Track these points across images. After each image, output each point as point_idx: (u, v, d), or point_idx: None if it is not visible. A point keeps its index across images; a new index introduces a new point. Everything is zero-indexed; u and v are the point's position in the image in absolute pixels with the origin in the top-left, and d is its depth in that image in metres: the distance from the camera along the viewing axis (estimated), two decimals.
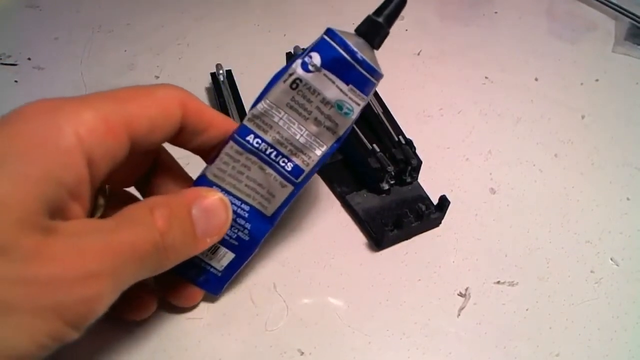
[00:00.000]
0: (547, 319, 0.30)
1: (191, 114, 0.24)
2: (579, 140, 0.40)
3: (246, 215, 0.25)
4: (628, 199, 0.36)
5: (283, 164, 0.24)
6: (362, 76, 0.23)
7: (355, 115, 0.24)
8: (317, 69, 0.23)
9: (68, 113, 0.20)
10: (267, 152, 0.24)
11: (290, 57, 0.41)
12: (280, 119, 0.24)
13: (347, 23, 0.51)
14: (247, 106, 0.37)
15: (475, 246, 0.33)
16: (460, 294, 0.31)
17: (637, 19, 0.49)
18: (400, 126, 0.36)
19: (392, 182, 0.34)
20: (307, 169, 0.25)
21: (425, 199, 0.34)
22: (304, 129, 0.24)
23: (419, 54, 0.46)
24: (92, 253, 0.19)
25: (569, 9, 0.52)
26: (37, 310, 0.17)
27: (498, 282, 0.31)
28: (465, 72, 0.45)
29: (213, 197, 0.24)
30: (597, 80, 0.45)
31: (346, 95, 0.23)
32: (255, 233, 0.26)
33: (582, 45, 0.48)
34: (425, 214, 0.32)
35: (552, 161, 0.38)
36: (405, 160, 0.33)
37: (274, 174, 0.25)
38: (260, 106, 0.24)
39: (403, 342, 0.29)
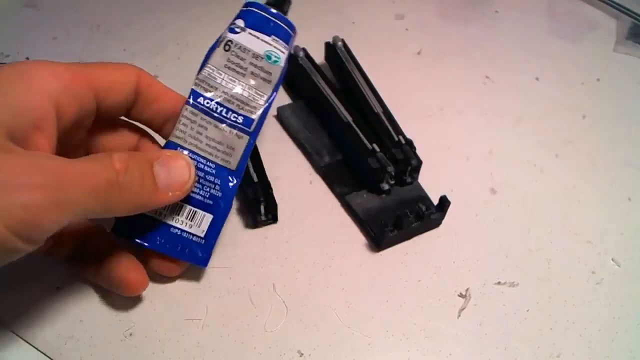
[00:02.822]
0: (548, 320, 0.30)
1: (144, 85, 0.28)
2: (580, 140, 0.40)
3: (213, 171, 0.28)
4: (629, 199, 0.36)
5: (234, 118, 0.28)
6: (280, 27, 0.28)
7: (282, 62, 0.28)
8: (242, 29, 0.27)
9: (41, 65, 0.24)
10: (218, 111, 0.27)
11: (290, 57, 0.40)
12: (222, 79, 0.28)
13: (347, 22, 0.51)
14: None
15: (476, 247, 0.33)
16: (461, 295, 0.31)
17: (638, 18, 0.49)
18: (401, 126, 0.35)
19: (392, 182, 0.34)
20: (256, 118, 0.28)
21: (425, 199, 0.34)
22: (244, 84, 0.28)
23: (419, 53, 0.46)
24: (39, 168, 0.21)
25: (569, 8, 0.52)
26: None
27: (498, 283, 0.31)
28: (466, 71, 0.45)
29: (176, 155, 0.26)
30: (598, 79, 0.45)
31: (271, 45, 0.27)
32: (226, 187, 0.28)
33: (583, 44, 0.48)
34: (425, 215, 0.32)
35: (552, 161, 0.38)
36: (406, 160, 0.33)
37: (229, 128, 0.28)
38: (203, 71, 0.28)
39: (403, 343, 0.29)
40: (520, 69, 0.45)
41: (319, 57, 0.41)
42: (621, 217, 0.35)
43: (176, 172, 0.25)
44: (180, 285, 0.30)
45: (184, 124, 0.27)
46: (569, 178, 0.37)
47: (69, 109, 0.24)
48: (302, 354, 0.28)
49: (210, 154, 0.28)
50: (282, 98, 0.42)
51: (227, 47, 0.27)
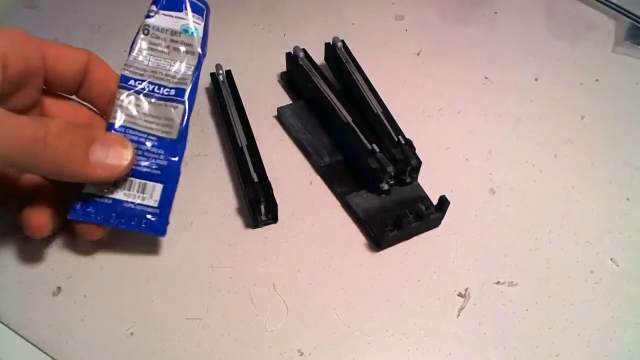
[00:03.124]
0: (547, 319, 0.30)
1: (94, 65, 0.30)
2: (579, 141, 0.40)
3: (156, 143, 0.29)
4: (628, 199, 0.36)
5: (167, 92, 0.29)
6: (190, 2, 0.30)
7: (200, 32, 0.30)
8: (156, 12, 0.30)
9: None
10: (150, 88, 0.29)
11: (290, 58, 0.41)
12: (149, 60, 0.30)
13: (347, 22, 0.51)
14: (246, 106, 0.37)
15: (475, 246, 0.33)
16: (460, 295, 0.31)
17: (637, 19, 0.49)
18: (400, 126, 0.36)
19: (391, 182, 0.34)
20: (187, 87, 0.30)
21: (425, 199, 0.34)
22: (170, 60, 0.30)
23: (418, 54, 0.46)
24: None
25: (568, 9, 0.52)
26: None
27: (498, 283, 0.31)
28: (465, 72, 0.45)
29: (121, 142, 0.28)
30: (597, 80, 0.45)
31: (185, 19, 0.30)
32: (171, 155, 0.29)
33: (581, 45, 0.48)
34: (425, 214, 0.32)
35: (551, 161, 0.38)
36: (405, 160, 0.33)
37: (163, 102, 0.29)
38: (130, 57, 0.30)
39: (403, 343, 0.29)
40: (519, 70, 0.45)
41: (318, 57, 0.41)
42: (620, 217, 0.35)
43: (114, 156, 0.27)
44: (180, 285, 0.31)
45: (119, 106, 0.29)
46: (567, 178, 0.37)
47: (15, 64, 0.26)
48: (302, 353, 0.28)
49: (150, 128, 0.29)
50: (282, 98, 0.42)
51: (145, 32, 0.30)
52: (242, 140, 0.35)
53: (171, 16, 0.30)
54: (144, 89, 0.30)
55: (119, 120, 0.29)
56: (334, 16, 0.49)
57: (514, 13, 0.51)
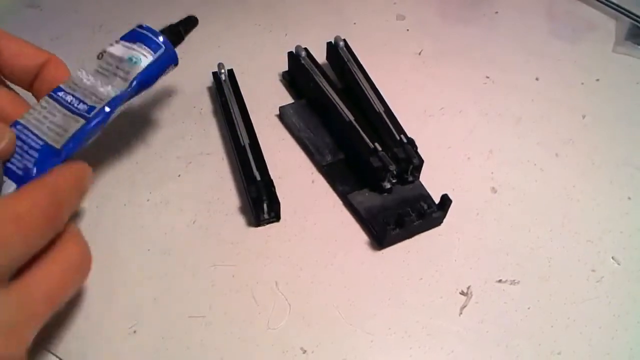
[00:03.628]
0: (549, 318, 0.30)
1: (53, 69, 0.31)
2: (580, 140, 0.40)
3: (38, 147, 0.28)
4: (629, 198, 0.36)
5: (79, 106, 0.29)
6: (148, 37, 0.31)
7: (143, 63, 0.30)
8: (117, 42, 0.31)
9: None
10: (69, 101, 0.29)
11: (292, 57, 0.41)
12: (88, 80, 0.30)
13: (348, 22, 0.51)
14: (248, 105, 0.37)
15: (477, 245, 0.33)
16: (462, 293, 0.31)
17: (637, 18, 0.49)
18: (402, 125, 0.36)
19: (393, 181, 0.34)
20: (98, 106, 0.29)
21: (427, 198, 0.34)
22: (104, 83, 0.30)
23: (420, 53, 0.46)
24: None
25: (569, 9, 0.52)
26: None
27: (500, 281, 0.32)
28: (466, 72, 0.45)
29: None
30: (597, 80, 0.45)
31: (134, 50, 0.30)
32: (41, 164, 0.28)
33: (582, 45, 0.48)
34: (427, 213, 0.32)
35: (552, 161, 0.38)
36: (407, 159, 0.33)
37: (71, 114, 0.29)
38: (74, 74, 0.30)
39: (405, 341, 0.29)
40: (520, 69, 0.45)
41: (320, 57, 0.42)
42: (621, 216, 0.35)
43: None
44: (183, 283, 0.31)
45: (34, 108, 0.29)
46: (569, 177, 0.37)
47: None
48: (305, 351, 0.28)
49: (45, 133, 0.29)
50: (284, 97, 0.42)
51: (100, 56, 0.31)
52: (245, 139, 0.35)
53: (125, 46, 0.31)
54: (67, 101, 0.29)
55: (24, 119, 0.29)
56: (334, 16, 0.50)
57: (515, 13, 0.51)
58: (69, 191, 0.25)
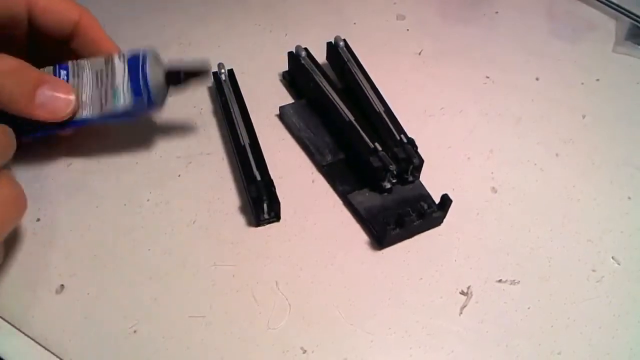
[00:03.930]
0: (549, 318, 0.30)
1: (85, 24, 0.33)
2: (580, 140, 0.40)
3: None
4: (629, 198, 0.36)
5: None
6: (137, 74, 0.32)
7: (119, 106, 0.32)
8: (124, 56, 0.33)
9: None
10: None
11: (292, 57, 0.41)
12: (86, 75, 0.32)
13: (348, 22, 0.51)
14: (248, 104, 0.38)
15: (477, 245, 0.33)
16: (462, 293, 0.31)
17: (637, 19, 0.49)
18: (402, 125, 0.36)
19: (394, 181, 0.34)
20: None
21: (427, 197, 0.34)
22: (92, 91, 0.32)
23: (420, 53, 0.46)
24: None
25: (569, 9, 0.52)
26: None
27: (500, 281, 0.32)
28: (466, 72, 0.45)
29: (66, 89, 0.31)
30: (597, 80, 0.45)
31: (122, 84, 0.32)
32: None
33: (582, 45, 0.48)
34: (427, 213, 0.32)
35: (553, 160, 0.38)
36: (407, 159, 0.33)
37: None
38: (81, 61, 0.33)
39: (405, 341, 0.29)
40: (520, 69, 0.45)
41: (320, 57, 0.42)
42: (621, 216, 0.35)
43: (57, 102, 0.31)
44: (183, 283, 0.31)
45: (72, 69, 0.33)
46: (569, 177, 0.37)
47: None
48: (305, 351, 0.28)
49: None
50: (284, 97, 0.42)
51: (106, 61, 0.33)
52: (245, 139, 0.35)
53: (122, 73, 0.32)
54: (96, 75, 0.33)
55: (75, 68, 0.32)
56: (335, 16, 0.50)
57: (515, 13, 0.51)
58: None
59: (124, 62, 0.32)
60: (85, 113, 0.32)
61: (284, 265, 0.32)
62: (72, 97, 0.31)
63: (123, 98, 0.32)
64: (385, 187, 0.34)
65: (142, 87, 0.32)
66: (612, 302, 0.31)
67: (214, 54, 0.45)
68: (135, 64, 0.32)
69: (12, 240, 0.32)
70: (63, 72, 0.33)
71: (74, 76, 0.33)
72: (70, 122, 0.32)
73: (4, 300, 0.29)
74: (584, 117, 0.42)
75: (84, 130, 0.38)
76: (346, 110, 0.36)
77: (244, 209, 0.34)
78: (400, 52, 0.46)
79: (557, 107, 0.42)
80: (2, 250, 0.29)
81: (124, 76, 0.32)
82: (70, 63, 0.33)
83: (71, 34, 0.34)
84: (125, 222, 0.33)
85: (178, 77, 0.33)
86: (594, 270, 0.32)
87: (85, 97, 0.32)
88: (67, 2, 0.33)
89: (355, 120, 0.35)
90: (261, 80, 0.43)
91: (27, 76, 0.30)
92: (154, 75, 0.32)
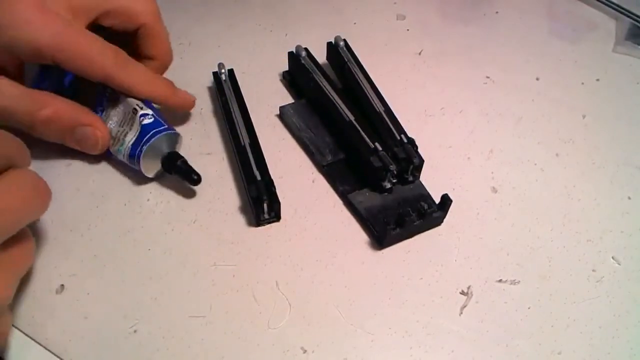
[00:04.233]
0: (549, 317, 0.30)
1: (148, 27, 0.36)
2: (580, 140, 0.40)
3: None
4: (629, 198, 0.36)
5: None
6: (138, 146, 0.33)
7: (119, 156, 0.35)
8: (141, 121, 0.34)
9: None
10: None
11: (293, 57, 0.41)
12: (114, 121, 0.36)
13: (348, 22, 0.51)
14: (248, 104, 0.38)
15: (477, 245, 0.33)
16: (463, 293, 0.31)
17: (637, 18, 0.49)
18: (402, 125, 0.36)
19: (394, 180, 0.34)
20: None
21: (427, 197, 0.34)
22: (113, 126, 0.36)
23: (420, 53, 0.46)
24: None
25: (569, 9, 0.52)
26: None
27: (500, 281, 0.32)
28: (467, 71, 0.45)
29: (93, 131, 0.34)
30: (597, 80, 0.45)
31: (128, 141, 0.34)
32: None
33: (582, 45, 0.48)
34: (427, 213, 0.32)
35: (553, 160, 0.38)
36: (407, 159, 0.33)
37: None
38: (118, 101, 0.36)
39: (405, 341, 0.29)
40: (520, 69, 0.45)
41: (320, 57, 0.42)
42: (621, 216, 0.35)
43: (87, 142, 0.34)
44: (183, 283, 0.31)
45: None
46: (569, 177, 0.37)
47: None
48: (305, 351, 0.28)
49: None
50: (284, 97, 0.42)
51: (134, 111, 0.35)
52: (245, 139, 0.35)
53: (131, 132, 0.34)
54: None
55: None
56: (335, 16, 0.50)
57: (515, 13, 0.51)
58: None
59: (140, 123, 0.34)
60: None
61: (284, 265, 0.32)
62: (107, 137, 0.35)
63: (123, 150, 0.34)
64: (385, 187, 0.34)
65: (136, 153, 0.34)
66: (612, 302, 0.31)
67: (214, 54, 0.45)
68: (146, 131, 0.34)
69: None
70: (99, 109, 0.36)
71: (107, 115, 0.36)
72: None
73: None
74: (584, 117, 0.42)
75: None
76: (346, 110, 0.36)
77: (244, 209, 0.34)
78: (400, 52, 0.46)
79: (557, 107, 0.42)
80: (33, 247, 0.28)
81: (134, 134, 0.34)
82: (105, 101, 0.36)
83: (135, 31, 0.36)
84: (125, 222, 0.33)
85: (169, 168, 0.34)
86: (594, 270, 0.32)
87: (110, 125, 0.36)
88: (137, 5, 0.35)
89: (355, 120, 0.35)
90: (261, 80, 0.43)
91: (67, 119, 0.33)
92: (152, 152, 0.34)
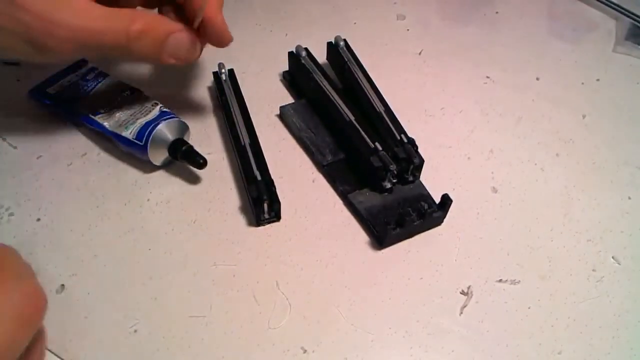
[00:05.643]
0: (549, 317, 0.30)
1: None
2: (580, 140, 0.40)
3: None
4: (629, 198, 0.36)
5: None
6: (145, 131, 0.34)
7: (124, 136, 0.35)
8: (157, 113, 0.36)
9: None
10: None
11: (293, 56, 0.41)
12: (126, 113, 0.36)
13: (349, 22, 0.51)
14: (249, 104, 0.37)
15: (477, 245, 0.33)
16: (463, 293, 0.31)
17: (637, 18, 0.49)
18: (402, 125, 0.36)
19: (394, 180, 0.34)
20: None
21: (427, 197, 0.34)
22: (126, 115, 0.36)
23: (420, 53, 0.46)
24: (63, 23, 0.28)
25: (569, 9, 0.52)
26: (13, 20, 0.27)
27: (500, 281, 0.32)
28: (467, 71, 0.45)
29: (187, 36, 0.32)
30: (598, 80, 0.45)
31: (135, 126, 0.35)
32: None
33: (582, 45, 0.48)
34: (427, 213, 0.32)
35: (553, 160, 0.38)
36: (408, 159, 0.33)
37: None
38: (131, 106, 0.37)
39: (405, 340, 0.29)
40: (520, 69, 0.45)
41: (321, 57, 0.42)
42: (621, 216, 0.35)
43: (181, 48, 0.32)
44: (184, 283, 0.31)
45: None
46: (569, 177, 0.37)
47: None
48: (306, 351, 0.28)
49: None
50: (285, 97, 0.42)
51: (153, 104, 0.36)
52: (245, 139, 0.35)
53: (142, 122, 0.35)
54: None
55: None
56: (335, 16, 0.50)
57: (515, 13, 0.51)
58: None
59: (159, 110, 0.36)
60: (107, 124, 0.36)
61: (285, 265, 0.32)
62: (200, 42, 0.33)
63: (132, 128, 0.35)
64: (385, 186, 0.34)
65: (147, 131, 0.34)
66: (613, 301, 0.31)
67: (215, 53, 0.45)
68: (161, 114, 0.35)
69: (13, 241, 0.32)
70: (127, 93, 0.38)
71: (120, 109, 0.37)
72: (92, 121, 0.36)
73: None
74: (584, 117, 0.42)
75: (86, 132, 0.38)
76: (346, 110, 0.36)
77: (244, 209, 0.34)
78: (400, 51, 0.46)
79: (557, 107, 0.42)
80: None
81: (148, 118, 0.35)
82: (137, 91, 0.38)
83: None
84: (125, 222, 0.33)
85: (175, 153, 0.35)
86: (594, 270, 0.32)
87: (119, 115, 0.36)
88: None
89: (355, 120, 0.35)
90: (261, 80, 0.43)
91: (159, 34, 0.31)
92: (161, 136, 0.34)
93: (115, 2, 0.31)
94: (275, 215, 0.33)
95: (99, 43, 0.29)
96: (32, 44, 0.28)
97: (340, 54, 0.40)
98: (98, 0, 0.30)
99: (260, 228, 0.33)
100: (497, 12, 0.51)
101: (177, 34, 0.32)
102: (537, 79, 0.45)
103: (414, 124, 0.38)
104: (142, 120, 0.35)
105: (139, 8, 0.35)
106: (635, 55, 0.47)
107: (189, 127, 0.36)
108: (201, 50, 0.34)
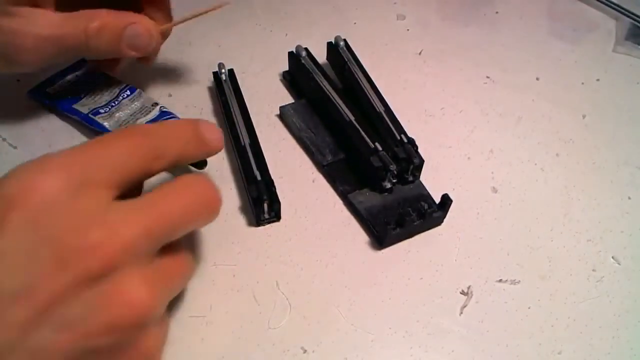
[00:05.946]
0: (549, 317, 0.30)
1: None
2: (580, 140, 0.40)
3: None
4: (629, 198, 0.36)
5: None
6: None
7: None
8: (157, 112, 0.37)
9: None
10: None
11: (293, 56, 0.41)
12: (134, 104, 0.37)
13: (349, 22, 0.51)
14: (249, 104, 0.38)
15: (477, 245, 0.33)
16: (463, 293, 0.31)
17: (637, 19, 0.49)
18: (402, 125, 0.36)
19: (394, 180, 0.34)
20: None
21: (427, 197, 0.34)
22: (126, 116, 0.37)
23: (420, 53, 0.46)
24: (29, 36, 0.30)
25: (569, 9, 0.52)
26: None
27: (500, 281, 0.32)
28: (467, 71, 0.45)
29: (143, 26, 0.33)
30: (598, 80, 0.45)
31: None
32: None
33: (583, 45, 0.48)
34: (427, 213, 0.32)
35: (553, 160, 0.38)
36: (408, 159, 0.33)
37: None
38: (142, 92, 0.38)
39: (405, 340, 0.29)
40: (520, 69, 0.45)
41: (320, 57, 0.42)
42: (621, 216, 0.35)
43: (139, 40, 0.33)
44: None
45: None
46: (569, 177, 0.37)
47: None
48: (306, 351, 0.28)
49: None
50: (284, 97, 0.42)
51: (154, 104, 0.37)
52: (245, 139, 0.35)
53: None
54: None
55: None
56: (335, 16, 0.50)
57: (515, 13, 0.51)
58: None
59: (159, 110, 0.37)
60: (107, 124, 0.36)
61: (285, 265, 0.32)
62: (156, 31, 0.34)
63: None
64: (385, 186, 0.34)
65: None
66: (613, 302, 0.31)
67: (214, 53, 0.45)
68: (163, 114, 0.37)
69: None
70: (127, 93, 0.38)
71: (120, 108, 0.37)
72: (92, 121, 0.36)
73: None
74: (584, 117, 0.42)
75: (85, 132, 0.38)
76: (346, 110, 0.36)
77: (244, 209, 0.34)
78: (400, 51, 0.46)
79: (557, 107, 0.42)
80: (191, 269, 0.27)
81: (149, 118, 0.36)
82: (137, 91, 0.38)
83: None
84: None
85: None
86: (594, 270, 0.32)
87: (119, 115, 0.37)
88: None
89: (355, 120, 0.35)
90: (261, 80, 0.43)
91: (116, 28, 0.32)
92: None
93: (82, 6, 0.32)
94: (275, 215, 0.33)
95: (61, 47, 0.31)
96: (3, 58, 0.31)
97: (340, 54, 0.40)
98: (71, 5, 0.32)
99: (260, 228, 0.33)
100: (497, 12, 0.51)
101: (133, 25, 0.33)
102: (537, 79, 0.45)
103: (414, 124, 0.38)
104: (142, 120, 0.35)
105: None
106: (635, 55, 0.47)
107: None
108: (161, 40, 0.35)
